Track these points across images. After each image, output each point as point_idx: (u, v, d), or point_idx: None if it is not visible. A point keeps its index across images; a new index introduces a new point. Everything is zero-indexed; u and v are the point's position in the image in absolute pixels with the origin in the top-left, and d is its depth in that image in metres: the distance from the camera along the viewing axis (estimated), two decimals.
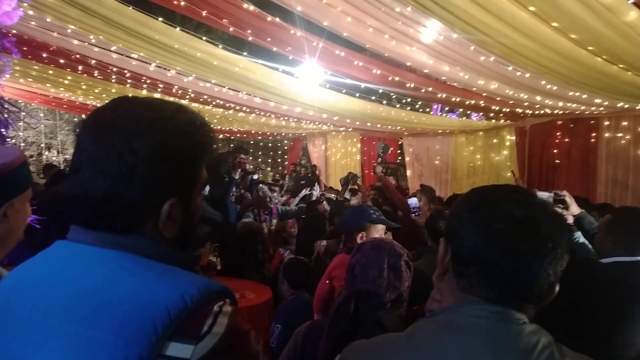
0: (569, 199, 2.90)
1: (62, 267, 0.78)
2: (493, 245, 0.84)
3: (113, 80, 6.81)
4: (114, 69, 6.08)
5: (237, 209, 5.43)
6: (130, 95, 0.89)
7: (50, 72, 6.60)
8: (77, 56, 5.66)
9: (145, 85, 6.95)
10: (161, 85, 6.84)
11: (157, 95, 7.53)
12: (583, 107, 6.37)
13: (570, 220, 2.89)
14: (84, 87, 7.48)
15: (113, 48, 5.15)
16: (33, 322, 0.73)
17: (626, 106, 6.05)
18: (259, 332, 3.25)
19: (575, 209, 2.87)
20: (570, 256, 2.36)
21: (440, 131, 9.94)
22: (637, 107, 6.16)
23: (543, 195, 3.05)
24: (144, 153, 0.77)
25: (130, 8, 4.26)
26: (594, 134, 7.14)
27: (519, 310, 0.85)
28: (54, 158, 10.60)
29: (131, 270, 0.75)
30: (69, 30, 4.70)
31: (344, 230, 2.65)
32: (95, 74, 6.46)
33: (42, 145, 10.73)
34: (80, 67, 6.16)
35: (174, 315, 0.69)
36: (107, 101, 0.87)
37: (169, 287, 0.73)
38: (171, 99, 7.66)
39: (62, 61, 5.88)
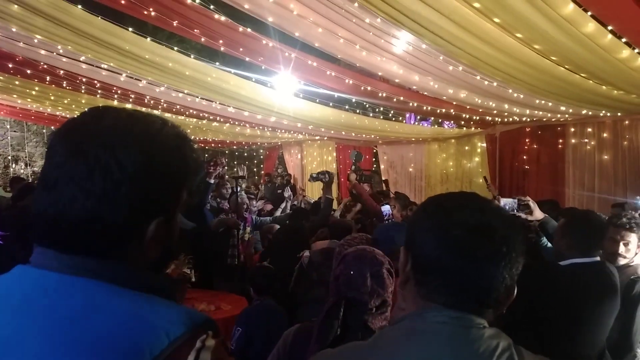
0: (532, 204, 2.98)
1: (25, 299, 0.69)
2: (449, 251, 0.86)
3: (83, 91, 6.70)
4: (84, 79, 5.98)
5: (212, 217, 5.37)
6: (105, 105, 0.84)
7: (17, 82, 6.43)
8: (45, 66, 5.55)
9: (116, 96, 6.85)
10: (133, 96, 6.76)
11: (128, 106, 7.43)
12: (550, 115, 6.57)
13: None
14: (52, 97, 7.31)
15: (82, 58, 5.07)
16: None
17: (590, 113, 6.28)
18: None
19: (538, 213, 2.95)
20: (536, 260, 2.42)
21: (413, 139, 10.09)
22: (601, 114, 6.40)
23: (507, 201, 3.15)
24: (132, 169, 0.71)
25: (99, 18, 4.21)
26: (561, 140, 7.37)
27: (478, 315, 0.87)
28: (22, 171, 10.30)
29: (107, 305, 0.68)
30: (35, 40, 4.60)
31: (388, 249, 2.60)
32: (64, 85, 6.34)
33: (9, 157, 10.42)
34: (48, 78, 6.03)
35: (153, 355, 0.64)
36: (77, 112, 0.81)
37: (149, 323, 0.67)
38: (143, 109, 7.60)
39: (29, 72, 5.75)
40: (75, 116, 0.79)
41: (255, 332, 3.03)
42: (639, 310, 2.48)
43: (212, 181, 5.11)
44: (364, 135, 9.71)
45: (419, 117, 10.52)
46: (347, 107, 7.85)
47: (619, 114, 6.30)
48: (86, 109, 0.81)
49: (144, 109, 7.68)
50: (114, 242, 0.73)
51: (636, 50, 3.70)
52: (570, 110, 6.01)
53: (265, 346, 2.52)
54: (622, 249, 2.57)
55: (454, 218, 0.88)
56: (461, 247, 0.85)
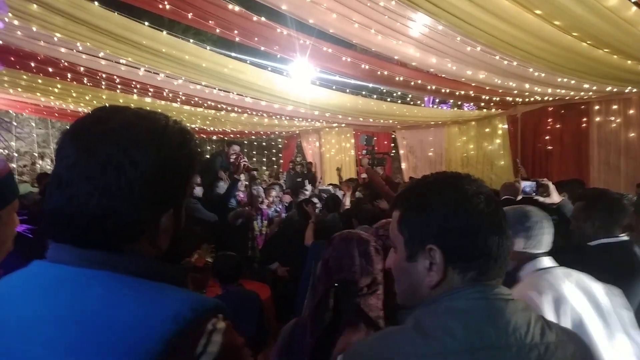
0: (551, 186, 2.97)
1: (43, 292, 0.72)
2: (482, 233, 0.91)
3: (103, 87, 6.80)
4: (103, 75, 6.07)
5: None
6: (111, 105, 0.88)
7: (40, 81, 6.57)
8: (66, 64, 5.64)
9: (135, 90, 6.94)
10: (152, 90, 6.83)
11: (148, 100, 7.53)
12: (572, 93, 6.41)
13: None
14: (74, 94, 7.45)
15: (101, 54, 5.14)
16: (13, 352, 0.68)
17: (615, 90, 6.09)
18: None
19: (556, 196, 2.96)
20: (567, 240, 2.37)
21: (432, 123, 9.97)
22: (626, 90, 6.21)
23: (527, 184, 3.16)
24: (145, 165, 0.74)
25: (116, 14, 4.25)
26: (584, 119, 7.18)
27: (502, 285, 0.93)
28: (48, 167, 10.57)
29: (120, 293, 0.71)
30: (55, 39, 4.68)
31: None
32: (85, 81, 6.44)
33: (35, 154, 10.69)
34: (69, 75, 6.14)
35: (166, 339, 0.66)
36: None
37: (161, 308, 0.69)
38: (163, 102, 7.67)
39: (50, 70, 5.86)
40: (82, 117, 0.81)
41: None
42: None
43: (240, 178, 5.13)
44: (382, 121, 9.62)
45: (437, 100, 10.37)
46: (363, 92, 7.79)
47: None
48: (91, 110, 0.84)
49: (163, 103, 7.78)
50: (128, 236, 0.76)
51: None
52: (594, 88, 5.84)
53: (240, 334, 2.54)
54: None
55: (469, 194, 0.94)
56: (487, 219, 0.92)
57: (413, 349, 0.86)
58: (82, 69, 5.77)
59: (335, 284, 1.54)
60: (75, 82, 6.55)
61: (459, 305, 0.89)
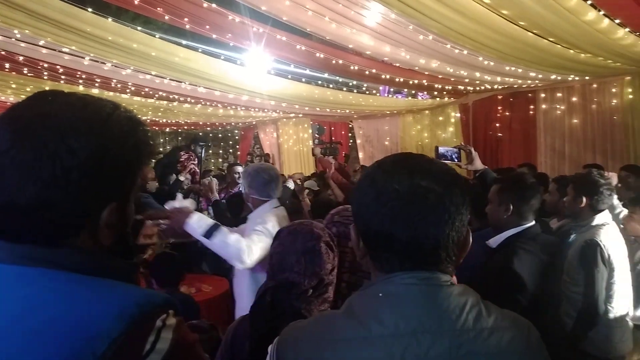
0: (473, 152, 2.88)
1: None
2: (389, 222, 0.86)
3: (45, 77, 6.43)
4: (45, 65, 5.74)
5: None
6: (52, 89, 0.81)
7: None
8: (3, 53, 5.30)
9: (81, 81, 6.60)
10: (98, 80, 6.53)
11: (95, 91, 7.20)
12: (520, 81, 6.64)
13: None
14: (13, 85, 7.01)
15: (41, 42, 4.86)
16: None
17: (559, 78, 6.36)
18: (220, 325, 3.20)
19: (478, 164, 2.84)
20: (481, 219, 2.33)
21: (388, 112, 10.10)
22: (569, 79, 6.50)
23: (447, 149, 2.94)
24: (83, 154, 0.68)
25: None
26: (532, 106, 7.48)
27: (442, 272, 0.89)
28: None
29: (60, 290, 0.66)
30: None
31: None
32: (25, 72, 6.08)
33: None
34: (7, 65, 5.77)
35: (112, 338, 0.63)
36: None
37: (105, 305, 0.65)
38: (111, 93, 7.36)
39: None
40: (21, 100, 0.75)
41: None
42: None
43: (182, 178, 5.04)
44: (338, 111, 9.66)
45: (392, 90, 10.51)
46: (319, 82, 7.78)
47: (586, 77, 6.40)
48: (33, 93, 0.77)
49: (111, 94, 7.46)
50: (65, 229, 0.71)
51: (602, 12, 3.73)
52: (540, 76, 6.08)
53: None
54: None
55: (387, 188, 0.87)
56: (396, 217, 0.85)
57: (341, 333, 0.85)
58: (21, 58, 5.43)
59: (273, 285, 1.40)
60: (14, 73, 6.16)
61: (389, 289, 0.87)
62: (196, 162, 5.20)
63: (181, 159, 5.28)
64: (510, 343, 0.85)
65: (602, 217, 2.72)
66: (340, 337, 0.85)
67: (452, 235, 0.86)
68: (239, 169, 5.43)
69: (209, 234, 2.27)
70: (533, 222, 2.29)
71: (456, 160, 2.93)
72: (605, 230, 2.66)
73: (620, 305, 2.62)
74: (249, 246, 2.28)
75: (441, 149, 2.96)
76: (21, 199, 0.67)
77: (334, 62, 5.60)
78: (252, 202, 2.71)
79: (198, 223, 2.30)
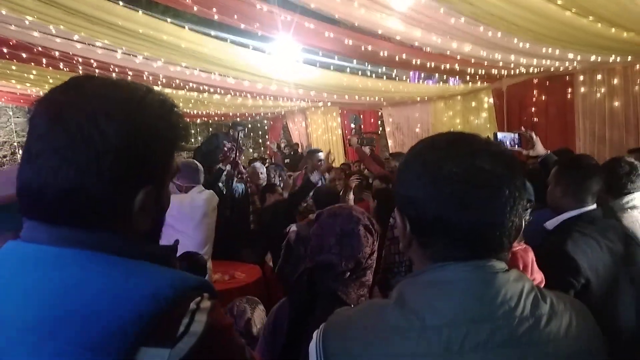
0: (535, 137, 2.82)
1: (16, 273, 0.69)
2: (448, 209, 0.81)
3: (80, 71, 6.60)
4: (80, 60, 5.89)
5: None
6: (88, 74, 0.80)
7: (14, 67, 6.37)
8: (40, 49, 5.46)
9: (114, 74, 6.75)
10: (131, 73, 6.66)
11: None
12: (557, 64, 6.38)
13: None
14: (51, 81, 7.23)
15: (75, 37, 4.97)
16: None
17: (599, 59, 6.07)
18: None
19: (540, 148, 2.80)
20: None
21: (418, 99, 9.91)
22: (610, 60, 6.19)
23: (506, 135, 2.93)
24: (116, 138, 0.69)
25: None
26: (569, 90, 7.19)
27: (499, 258, 0.85)
28: None
29: (96, 271, 0.67)
30: (26, 22, 4.51)
31: None
32: (61, 66, 6.26)
33: (15, 144, 10.46)
34: (44, 60, 5.95)
35: (146, 318, 0.63)
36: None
37: (140, 286, 0.66)
38: None
39: (24, 55, 5.67)
40: (58, 85, 0.75)
41: None
42: None
43: (225, 168, 5.08)
44: (367, 98, 9.54)
45: (423, 76, 10.30)
46: (348, 70, 7.69)
47: (629, 58, 6.09)
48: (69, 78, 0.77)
49: None
50: (100, 213, 0.71)
51: None
52: (579, 58, 5.82)
53: None
54: None
55: (444, 171, 0.81)
56: (459, 202, 0.80)
57: (392, 322, 0.82)
58: (57, 53, 5.59)
59: (311, 266, 1.41)
60: (51, 68, 6.35)
61: (442, 276, 0.83)
62: (234, 149, 5.21)
63: (225, 149, 5.28)
64: (569, 325, 0.82)
65: None
66: (391, 327, 0.82)
67: (515, 221, 0.82)
68: (322, 155, 5.38)
69: None
70: (594, 206, 2.20)
71: (517, 146, 2.89)
72: None
73: None
74: None
75: (500, 135, 2.95)
76: (56, 182, 0.68)
77: (363, 48, 5.52)
78: None
79: None
